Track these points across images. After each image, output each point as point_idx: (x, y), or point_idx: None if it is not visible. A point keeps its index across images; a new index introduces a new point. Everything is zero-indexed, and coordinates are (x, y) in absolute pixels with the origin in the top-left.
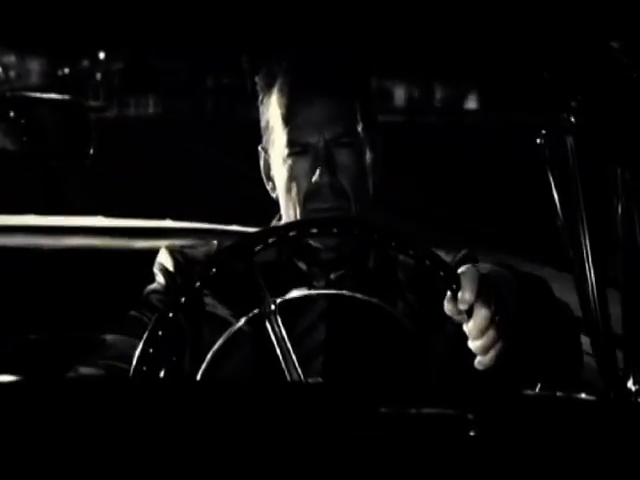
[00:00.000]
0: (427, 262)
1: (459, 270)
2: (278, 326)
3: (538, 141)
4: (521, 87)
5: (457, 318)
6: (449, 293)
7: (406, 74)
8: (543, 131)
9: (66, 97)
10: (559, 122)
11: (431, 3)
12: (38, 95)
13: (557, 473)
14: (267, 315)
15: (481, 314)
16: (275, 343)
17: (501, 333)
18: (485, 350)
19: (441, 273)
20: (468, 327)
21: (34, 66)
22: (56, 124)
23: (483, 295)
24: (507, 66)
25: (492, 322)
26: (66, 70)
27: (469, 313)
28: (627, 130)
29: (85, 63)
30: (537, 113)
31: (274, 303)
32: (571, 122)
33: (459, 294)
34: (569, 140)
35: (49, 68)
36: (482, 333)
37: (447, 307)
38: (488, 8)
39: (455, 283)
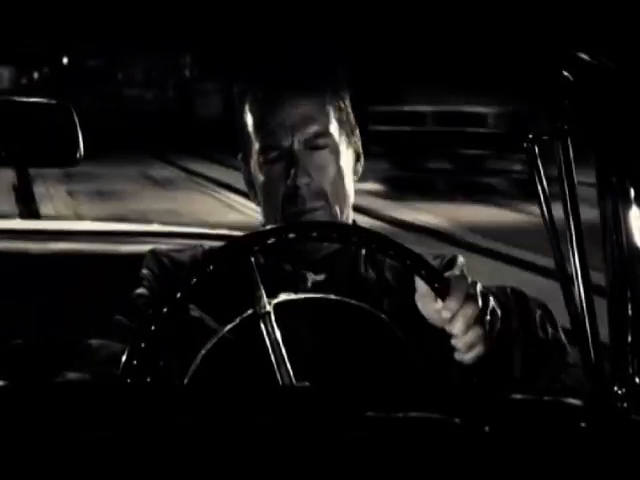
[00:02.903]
0: (408, 262)
1: (447, 274)
2: (272, 327)
3: (525, 145)
4: (509, 91)
5: (434, 318)
6: (431, 294)
7: (382, 73)
8: (530, 135)
9: (53, 101)
10: (546, 126)
11: (406, 3)
12: (24, 99)
13: (544, 476)
14: (262, 316)
15: (467, 314)
16: (268, 344)
17: (486, 332)
18: (469, 347)
19: (422, 272)
20: (453, 327)
21: (5, 72)
22: (43, 128)
23: (470, 298)
24: (496, 71)
25: (477, 321)
26: (35, 75)
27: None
28: (615, 135)
29: (47, 70)
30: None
31: (269, 304)
32: (558, 126)
33: (446, 301)
34: (556, 144)
35: (16, 74)
36: (467, 330)
37: (428, 309)
38: (477, 12)
39: (440, 284)
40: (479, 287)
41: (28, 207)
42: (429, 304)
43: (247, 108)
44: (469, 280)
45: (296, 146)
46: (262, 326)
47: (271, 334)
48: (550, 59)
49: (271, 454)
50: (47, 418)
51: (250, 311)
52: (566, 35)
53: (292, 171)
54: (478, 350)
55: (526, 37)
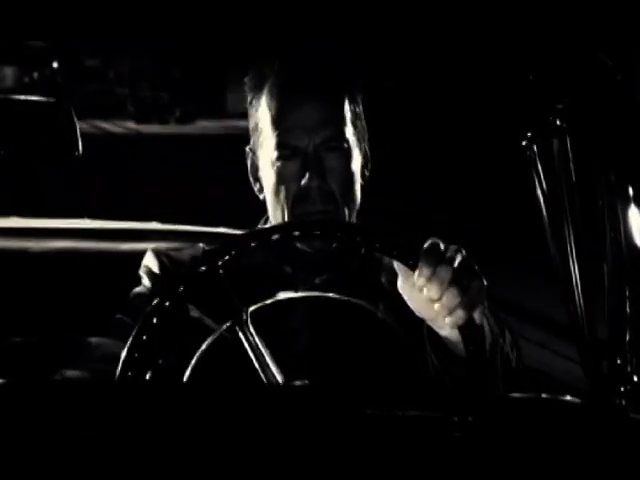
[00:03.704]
0: (377, 245)
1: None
2: (252, 335)
3: (524, 143)
4: (508, 89)
5: (418, 306)
6: (402, 267)
7: (396, 76)
8: (528, 133)
9: (51, 99)
10: (544, 124)
11: (422, 6)
12: (22, 97)
13: (542, 474)
14: (240, 326)
15: (441, 276)
16: (250, 352)
17: (463, 291)
18: (449, 310)
19: (394, 252)
20: (429, 292)
21: (9, 72)
22: (42, 126)
23: (444, 261)
24: (495, 68)
25: (453, 282)
26: (35, 75)
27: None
28: (613, 133)
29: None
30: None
31: (245, 313)
32: (557, 124)
33: (418, 268)
34: (554, 143)
35: (19, 73)
36: (443, 292)
37: (401, 281)
38: (479, 12)
39: (414, 260)
40: (453, 247)
41: (28, 205)
42: (410, 289)
43: (264, 102)
44: (442, 246)
45: (312, 147)
46: (241, 336)
47: (252, 342)
48: (549, 57)
49: (269, 451)
50: (46, 416)
51: (229, 323)
52: (565, 33)
53: (306, 172)
54: (460, 314)
55: (525, 36)
